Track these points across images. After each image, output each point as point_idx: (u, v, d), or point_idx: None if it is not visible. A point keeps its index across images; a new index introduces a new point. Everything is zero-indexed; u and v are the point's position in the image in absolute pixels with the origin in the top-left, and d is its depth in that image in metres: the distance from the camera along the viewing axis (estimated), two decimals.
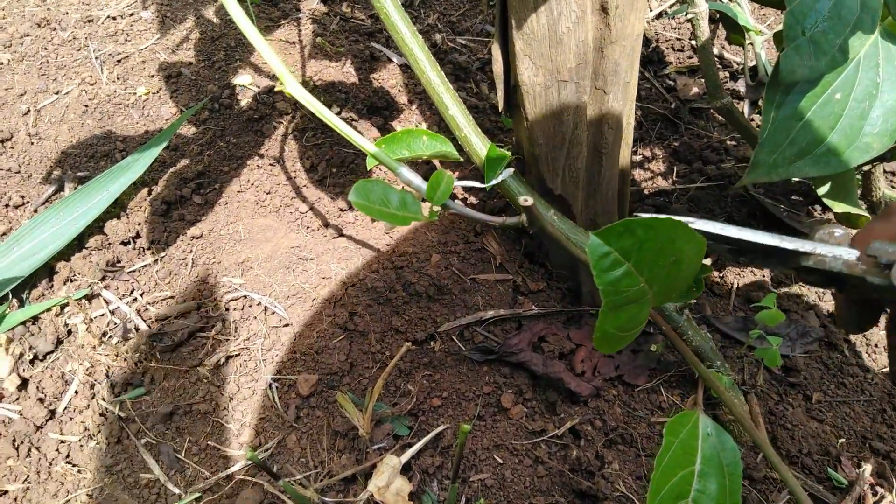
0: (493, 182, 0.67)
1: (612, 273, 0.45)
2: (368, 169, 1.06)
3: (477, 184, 0.64)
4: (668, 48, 1.49)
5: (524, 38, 0.72)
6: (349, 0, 1.43)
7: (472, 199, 1.11)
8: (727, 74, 1.43)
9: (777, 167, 0.75)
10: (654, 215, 0.43)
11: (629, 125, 0.88)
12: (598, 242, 0.43)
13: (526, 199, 0.60)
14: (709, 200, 1.19)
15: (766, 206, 1.13)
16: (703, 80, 1.43)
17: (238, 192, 1.07)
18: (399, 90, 1.27)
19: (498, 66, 0.78)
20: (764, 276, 1.10)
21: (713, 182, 1.21)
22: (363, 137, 0.64)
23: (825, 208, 1.14)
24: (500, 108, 0.83)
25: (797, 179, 1.19)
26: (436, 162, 1.17)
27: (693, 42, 1.48)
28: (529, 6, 0.69)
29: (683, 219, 0.52)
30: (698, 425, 0.55)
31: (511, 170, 0.70)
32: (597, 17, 0.71)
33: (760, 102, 1.37)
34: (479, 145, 0.84)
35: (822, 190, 0.88)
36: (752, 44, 1.23)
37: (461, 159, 0.87)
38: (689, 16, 0.76)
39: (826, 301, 1.08)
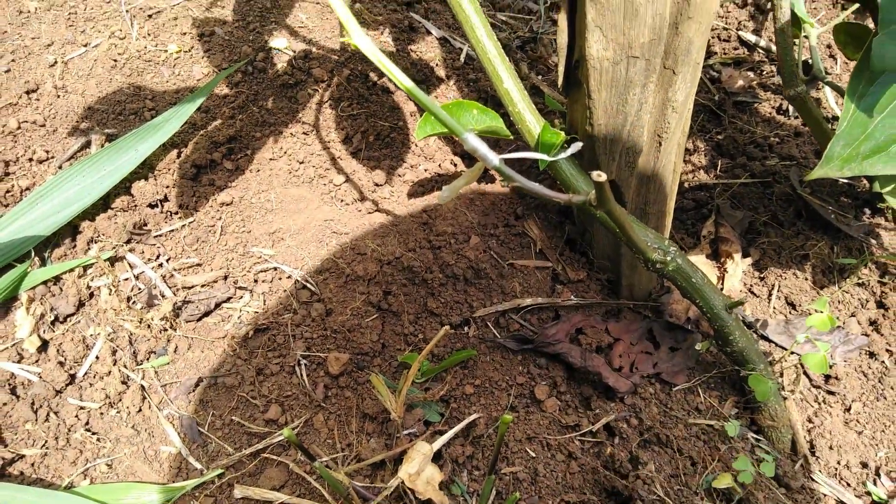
0: (562, 156, 0.63)
1: None
2: (420, 139, 1.02)
3: (543, 156, 0.60)
4: (713, 37, 1.44)
5: (597, 6, 0.67)
6: None
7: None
8: (774, 69, 1.39)
9: (850, 162, 0.71)
10: None
11: (689, 111, 0.84)
12: None
13: (599, 175, 0.56)
14: (752, 198, 1.15)
15: (813, 206, 1.09)
16: (748, 73, 1.39)
17: (270, 159, 1.03)
18: (437, 64, 1.23)
19: (563, 38, 0.74)
20: (807, 279, 1.06)
21: (757, 179, 1.17)
22: (431, 98, 0.60)
23: (874, 212, 1.10)
24: (559, 84, 0.79)
25: (845, 181, 1.15)
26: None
27: (740, 33, 1.43)
28: None
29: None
30: None
31: (579, 144, 0.66)
32: None
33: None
34: (533, 123, 0.80)
35: (886, 188, 0.84)
36: (807, 37, 1.18)
37: (511, 136, 0.83)
38: None
39: (868, 308, 1.04)
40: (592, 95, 0.74)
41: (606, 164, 0.80)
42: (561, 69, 0.77)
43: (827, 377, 0.99)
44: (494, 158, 0.60)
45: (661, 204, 0.88)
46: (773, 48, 1.42)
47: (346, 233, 0.94)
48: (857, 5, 1.05)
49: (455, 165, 1.07)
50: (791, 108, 1.32)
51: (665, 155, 0.81)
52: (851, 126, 0.68)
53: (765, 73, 1.38)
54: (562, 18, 0.73)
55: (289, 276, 0.92)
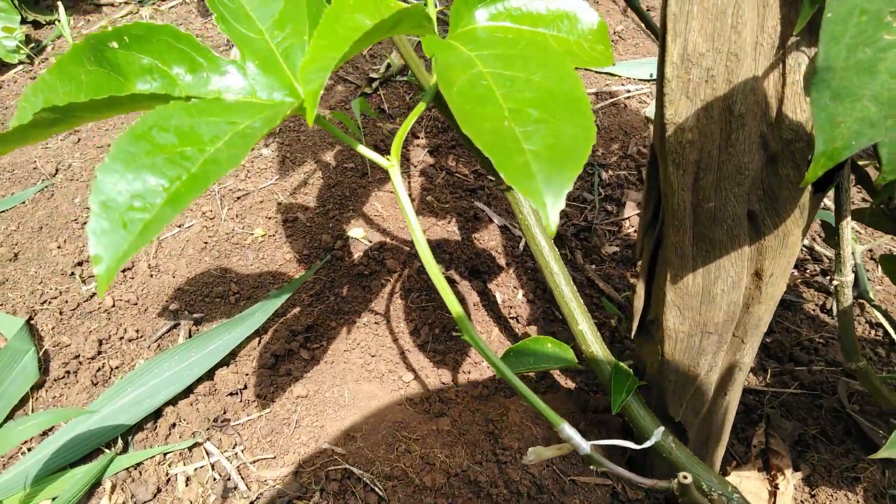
0: (647, 444, 0.68)
1: None
2: (497, 377, 1.08)
3: (631, 444, 0.65)
4: None
5: (676, 291, 0.74)
6: (454, 153, 1.49)
7: (570, 383, 1.12)
8: (817, 268, 1.45)
9: None
10: None
11: (751, 363, 0.89)
12: None
13: (686, 476, 0.61)
14: (801, 408, 1.18)
15: (862, 426, 1.12)
16: (792, 271, 1.45)
17: (344, 351, 1.09)
18: (498, 252, 1.31)
19: (639, 303, 0.81)
20: (858, 502, 1.07)
21: (806, 389, 1.21)
22: (524, 386, 0.66)
23: None
24: (632, 334, 0.85)
25: None
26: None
27: None
28: (688, 267, 0.72)
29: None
30: None
31: (661, 429, 0.71)
32: (750, 280, 0.73)
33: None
34: (605, 362, 0.86)
35: None
36: (853, 253, 1.25)
37: (581, 367, 0.89)
38: (835, 283, 0.78)
39: None
40: (666, 357, 0.80)
41: (674, 408, 0.85)
42: (634, 324, 0.83)
43: None
44: (586, 447, 0.65)
45: (720, 437, 0.92)
46: (815, 247, 1.49)
47: (415, 439, 0.99)
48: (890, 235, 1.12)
49: None
50: (834, 309, 1.37)
51: (728, 402, 0.86)
52: None
53: (808, 271, 1.45)
54: (640, 286, 0.80)
55: (358, 479, 0.95)
